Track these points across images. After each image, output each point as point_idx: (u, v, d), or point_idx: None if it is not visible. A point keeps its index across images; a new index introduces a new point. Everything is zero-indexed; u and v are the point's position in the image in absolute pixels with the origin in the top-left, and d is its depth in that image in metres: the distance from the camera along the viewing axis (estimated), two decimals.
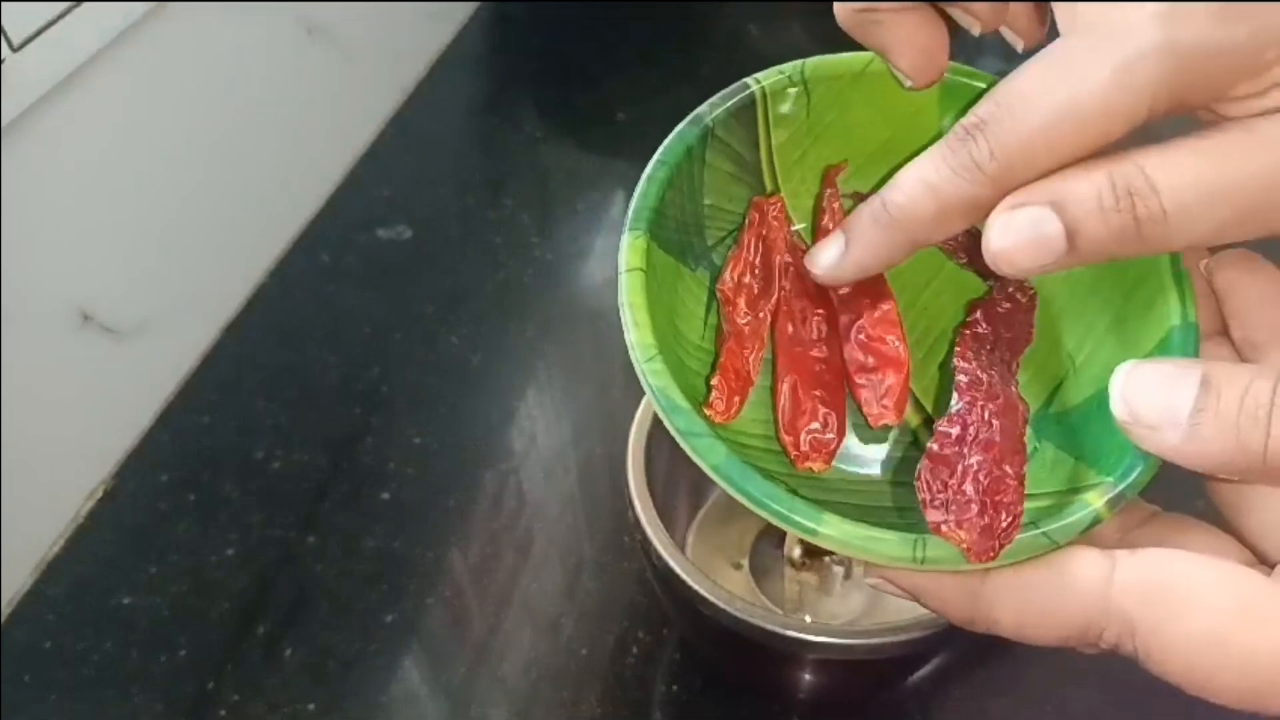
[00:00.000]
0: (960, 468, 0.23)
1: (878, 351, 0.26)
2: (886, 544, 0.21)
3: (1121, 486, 0.22)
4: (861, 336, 0.27)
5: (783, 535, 0.43)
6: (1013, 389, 0.26)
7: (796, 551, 0.42)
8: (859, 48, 0.26)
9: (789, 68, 0.28)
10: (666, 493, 0.42)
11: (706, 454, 0.23)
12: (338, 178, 0.69)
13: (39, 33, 0.43)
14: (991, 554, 0.21)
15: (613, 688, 0.43)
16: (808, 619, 0.41)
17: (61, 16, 0.44)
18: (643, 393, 0.24)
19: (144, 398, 0.55)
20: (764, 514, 0.22)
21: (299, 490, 0.51)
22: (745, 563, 0.44)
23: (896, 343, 0.26)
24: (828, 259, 0.25)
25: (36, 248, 0.47)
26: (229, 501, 0.51)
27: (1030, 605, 0.21)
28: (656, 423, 0.40)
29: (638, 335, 0.24)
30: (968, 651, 0.42)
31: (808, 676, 0.37)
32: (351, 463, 0.52)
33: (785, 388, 0.26)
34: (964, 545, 0.21)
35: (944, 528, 0.22)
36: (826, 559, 0.42)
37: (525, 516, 0.50)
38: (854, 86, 0.28)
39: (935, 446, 0.24)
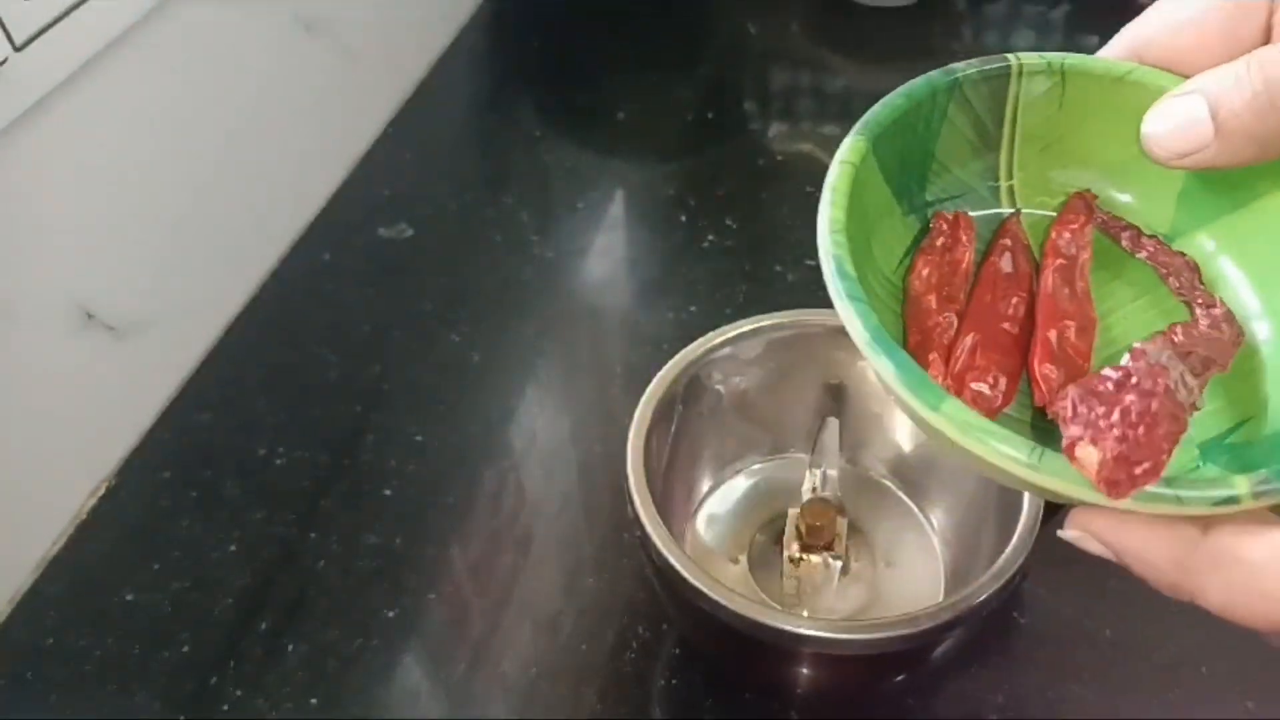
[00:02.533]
0: (1112, 401, 0.21)
1: (1068, 359, 0.26)
2: (1001, 438, 0.20)
3: (1274, 478, 0.20)
4: (1052, 334, 0.26)
5: (781, 531, 0.43)
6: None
7: (795, 547, 0.42)
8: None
9: (1049, 55, 0.28)
10: (665, 490, 0.42)
11: (862, 318, 0.23)
12: (339, 177, 0.70)
13: (41, 32, 0.44)
14: (1122, 489, 0.20)
15: (612, 683, 0.43)
16: (805, 614, 0.41)
17: (64, 15, 0.45)
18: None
19: (145, 395, 0.55)
20: (895, 387, 0.22)
21: (300, 487, 0.51)
22: (743, 559, 0.44)
23: (1083, 362, 0.26)
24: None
25: (39, 246, 0.47)
26: (230, 499, 0.51)
27: (1248, 586, 0.20)
28: (656, 419, 0.40)
29: (833, 212, 0.24)
30: (966, 647, 0.42)
31: (806, 671, 0.37)
32: (352, 460, 0.52)
33: (966, 341, 0.26)
34: (1094, 468, 0.20)
35: (1078, 446, 0.20)
36: (825, 555, 0.42)
37: (525, 514, 0.50)
38: (1111, 91, 0.27)
39: (1092, 383, 0.22)
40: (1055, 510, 0.39)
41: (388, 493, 0.51)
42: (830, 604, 0.42)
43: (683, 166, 0.71)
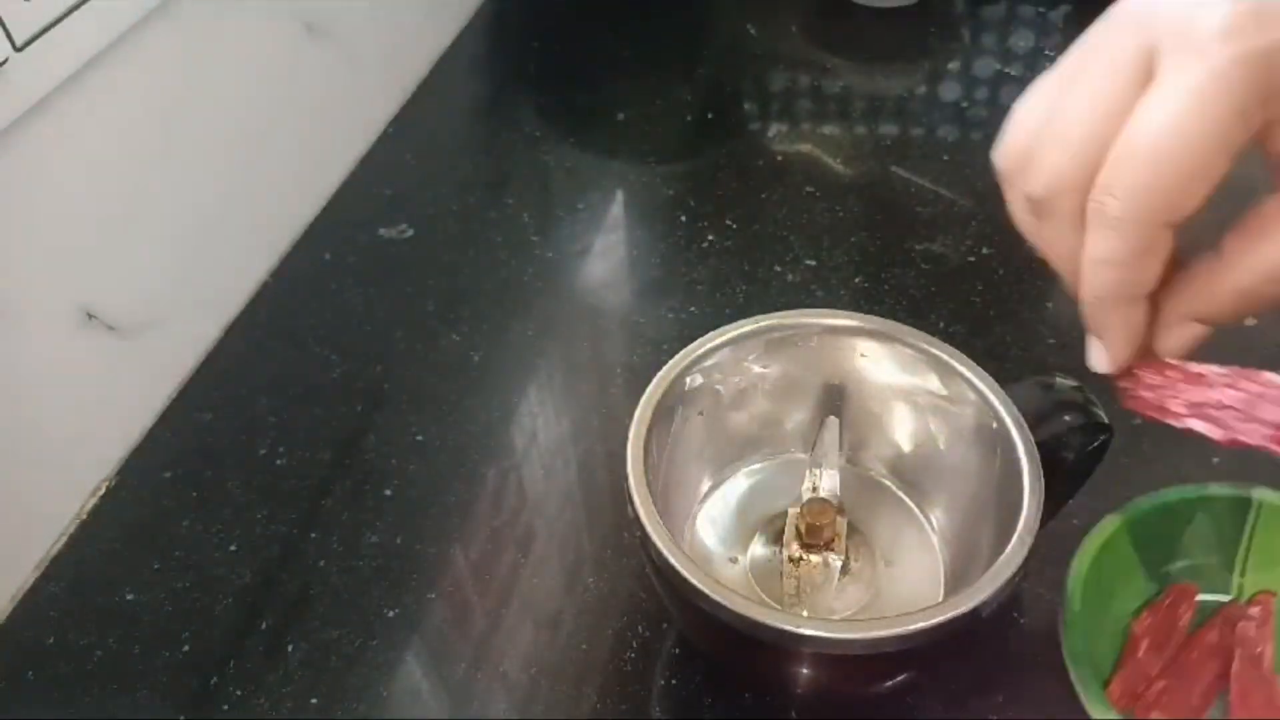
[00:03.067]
0: None
1: None
2: None
3: None
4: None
5: (780, 531, 0.43)
6: None
7: (794, 546, 0.42)
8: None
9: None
10: (665, 489, 0.42)
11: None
12: (339, 177, 0.70)
13: (41, 32, 0.44)
14: None
15: (612, 683, 0.43)
16: (805, 614, 0.41)
17: (64, 15, 0.45)
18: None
19: (146, 395, 0.56)
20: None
21: (301, 487, 0.51)
22: (743, 559, 0.44)
23: None
24: (1099, 358, 0.30)
25: (39, 246, 0.47)
26: (231, 498, 0.51)
27: None
28: (655, 419, 0.40)
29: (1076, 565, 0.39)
30: (966, 646, 0.42)
31: (805, 671, 0.37)
32: (354, 460, 0.52)
33: (1159, 684, 0.38)
34: None
35: None
36: (825, 555, 0.42)
37: (526, 513, 0.50)
38: None
39: None
40: (1055, 510, 0.39)
41: (388, 492, 0.51)
42: (830, 604, 0.42)
43: (683, 167, 0.71)
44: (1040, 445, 0.37)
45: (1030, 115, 0.27)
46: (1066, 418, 0.38)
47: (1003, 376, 0.40)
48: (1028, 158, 0.27)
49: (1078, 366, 0.41)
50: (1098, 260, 0.26)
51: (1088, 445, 0.38)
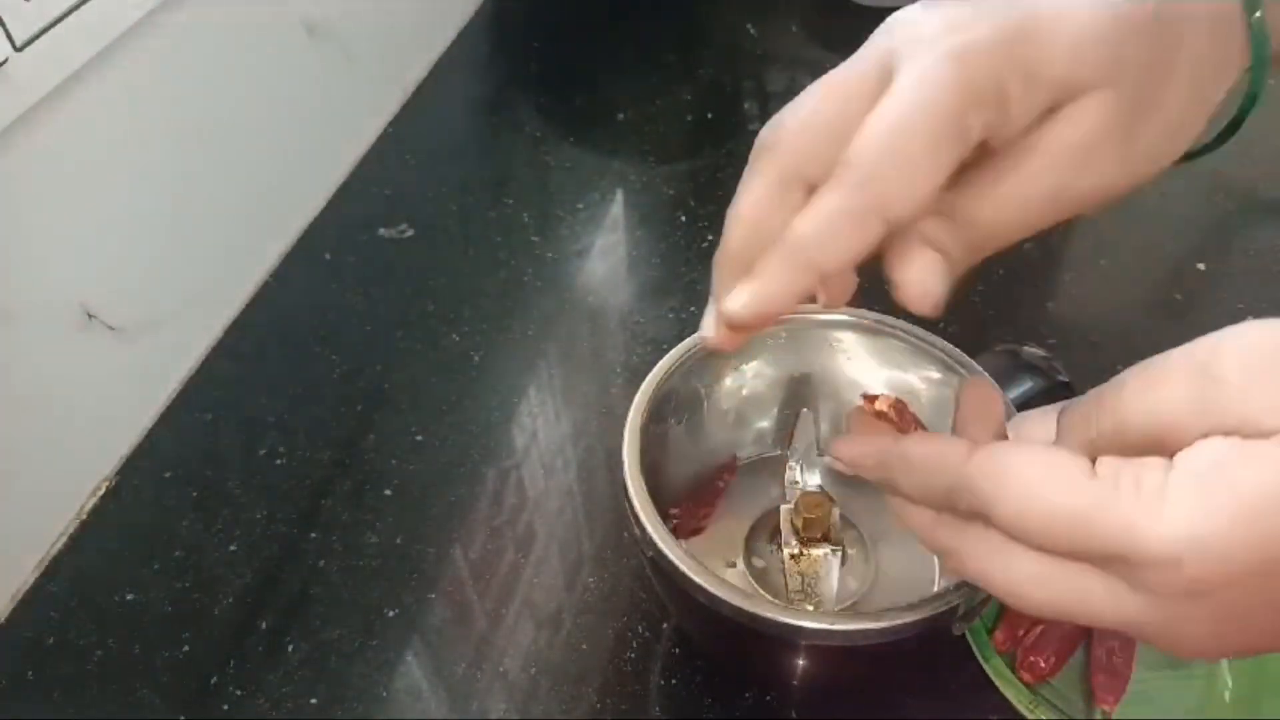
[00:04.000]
0: None
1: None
2: None
3: None
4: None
5: (777, 529, 0.43)
6: None
7: (794, 543, 0.42)
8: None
9: None
10: (665, 488, 0.42)
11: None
12: (339, 177, 0.70)
13: (41, 32, 0.44)
14: None
15: (612, 682, 0.43)
16: (811, 608, 0.41)
17: (64, 16, 0.45)
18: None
19: (147, 395, 0.56)
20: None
21: (301, 487, 0.51)
22: (740, 561, 0.44)
23: None
24: (738, 299, 0.28)
25: (40, 246, 0.47)
26: (232, 498, 0.51)
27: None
28: (651, 417, 0.40)
29: None
30: (965, 645, 0.42)
31: (804, 664, 0.37)
32: (354, 459, 0.53)
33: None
34: None
35: None
36: (825, 548, 0.42)
37: (526, 512, 0.50)
38: None
39: None
40: None
41: (388, 492, 0.51)
42: (834, 596, 0.42)
43: (683, 167, 0.71)
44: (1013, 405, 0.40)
45: (793, 108, 0.29)
46: (1031, 382, 0.42)
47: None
48: (778, 138, 0.29)
49: (1071, 363, 0.41)
50: (816, 210, 0.26)
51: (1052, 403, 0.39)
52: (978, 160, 0.27)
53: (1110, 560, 0.23)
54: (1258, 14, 0.27)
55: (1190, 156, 0.29)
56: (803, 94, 0.29)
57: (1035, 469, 0.24)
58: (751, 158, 0.29)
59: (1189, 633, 0.23)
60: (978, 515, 0.25)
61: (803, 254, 0.27)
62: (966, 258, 0.28)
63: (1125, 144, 0.26)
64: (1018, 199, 0.27)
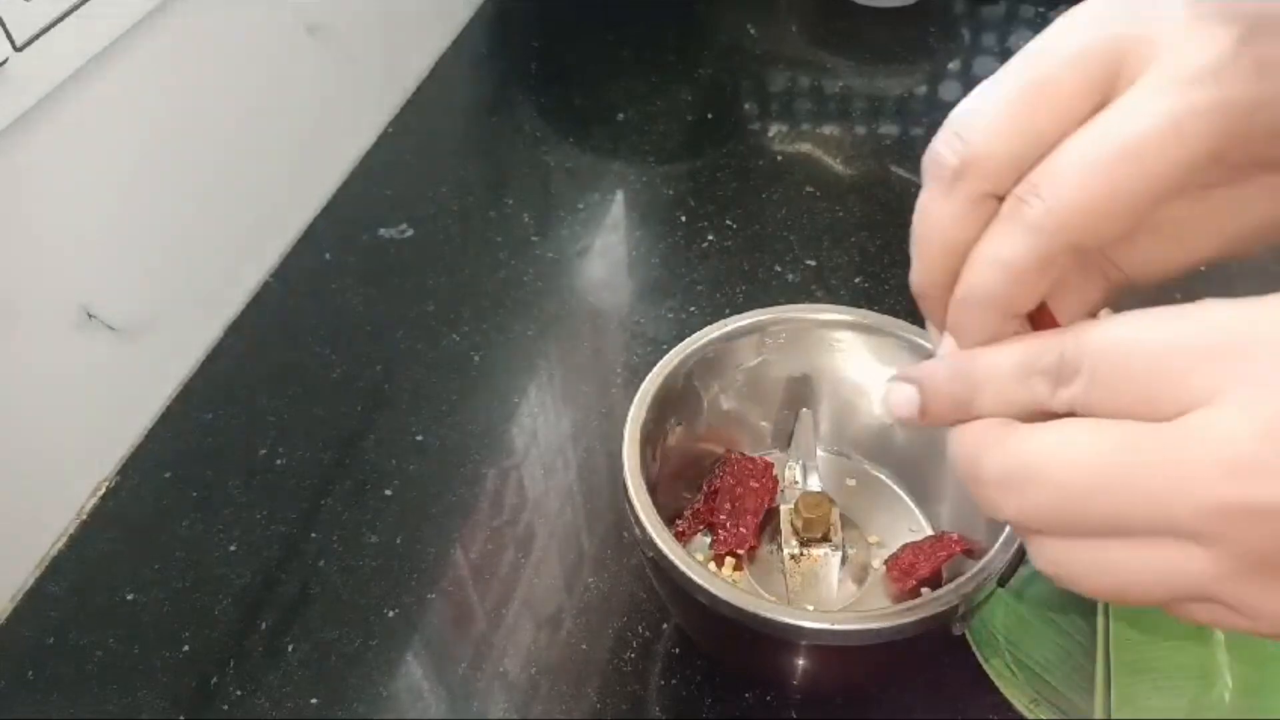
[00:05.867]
0: None
1: None
2: None
3: None
4: None
5: (776, 530, 0.43)
6: None
7: (794, 544, 0.42)
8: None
9: None
10: (665, 487, 0.42)
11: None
12: (340, 177, 0.70)
13: (41, 32, 0.44)
14: None
15: (612, 682, 0.43)
16: (811, 608, 0.41)
17: (64, 16, 0.45)
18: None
19: (147, 395, 0.56)
20: None
21: (302, 487, 0.51)
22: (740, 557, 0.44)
23: None
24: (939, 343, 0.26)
25: (39, 245, 0.47)
26: (232, 498, 0.51)
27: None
28: (651, 417, 0.40)
29: None
30: (966, 641, 0.42)
31: (804, 664, 0.37)
32: (354, 459, 0.53)
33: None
34: None
35: None
36: (825, 548, 0.42)
37: (526, 513, 0.50)
38: None
39: None
40: None
41: (388, 492, 0.51)
42: (829, 599, 0.42)
43: (683, 167, 0.71)
44: None
45: (983, 112, 0.24)
46: None
47: None
48: (970, 157, 0.24)
49: None
50: (992, 259, 0.23)
51: None
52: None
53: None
54: None
55: None
56: (993, 86, 0.23)
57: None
58: (934, 172, 0.24)
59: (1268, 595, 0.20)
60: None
61: (993, 308, 0.24)
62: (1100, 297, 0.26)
63: None
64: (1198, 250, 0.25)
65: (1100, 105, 0.22)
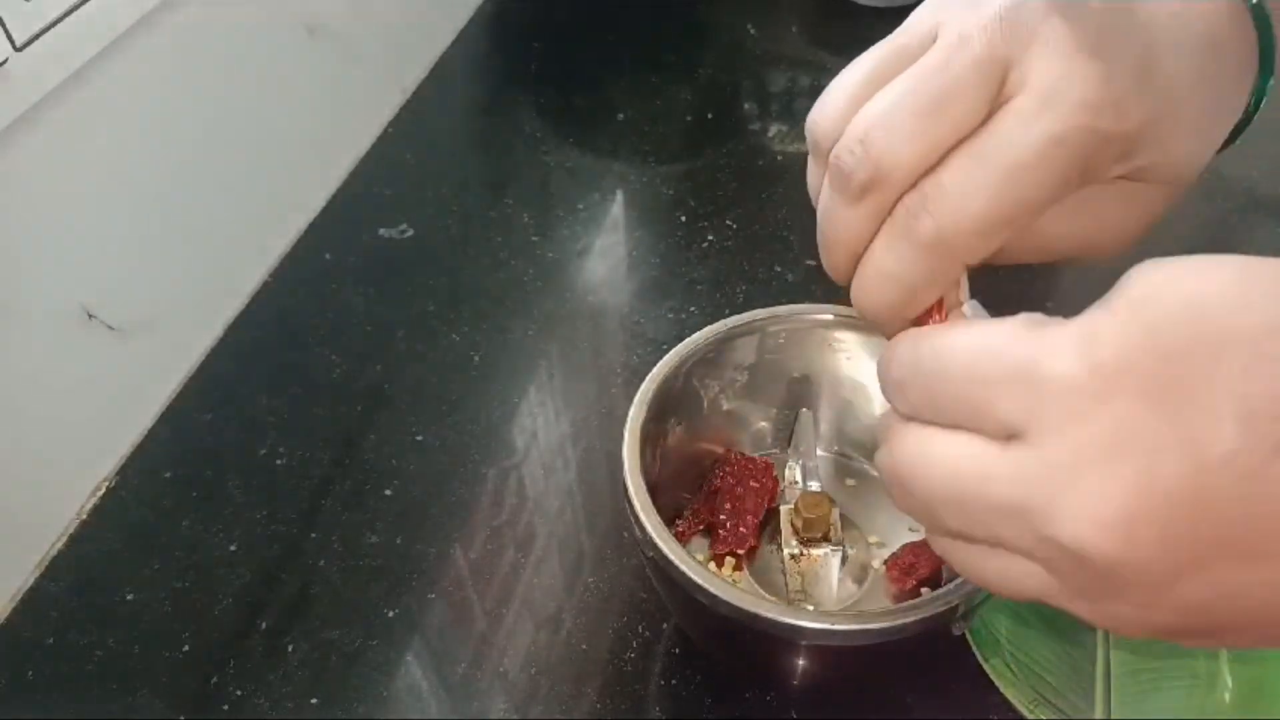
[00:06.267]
0: None
1: None
2: None
3: None
4: None
5: (776, 530, 0.43)
6: None
7: (794, 544, 0.42)
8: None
9: None
10: (665, 487, 0.42)
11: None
12: (340, 177, 0.70)
13: (41, 32, 0.44)
14: None
15: (612, 682, 0.43)
16: (811, 608, 0.41)
17: (64, 16, 0.45)
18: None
19: (147, 395, 0.56)
20: None
21: (301, 487, 0.51)
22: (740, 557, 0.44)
23: None
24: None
25: (39, 246, 0.47)
26: (232, 498, 0.51)
27: None
28: (651, 417, 0.40)
29: None
30: (966, 641, 0.42)
31: (804, 664, 0.37)
32: (354, 459, 0.52)
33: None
34: None
35: None
36: (825, 548, 0.42)
37: (526, 513, 0.50)
38: None
39: None
40: None
41: (389, 492, 0.51)
42: (829, 599, 0.42)
43: (683, 167, 0.71)
44: None
45: (855, 84, 0.26)
46: None
47: None
48: (839, 129, 0.25)
49: None
50: (886, 274, 0.25)
51: None
52: None
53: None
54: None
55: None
56: (896, 95, 0.24)
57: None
58: (839, 183, 0.25)
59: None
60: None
61: (887, 317, 0.26)
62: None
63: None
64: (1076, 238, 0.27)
65: (988, 116, 0.24)
